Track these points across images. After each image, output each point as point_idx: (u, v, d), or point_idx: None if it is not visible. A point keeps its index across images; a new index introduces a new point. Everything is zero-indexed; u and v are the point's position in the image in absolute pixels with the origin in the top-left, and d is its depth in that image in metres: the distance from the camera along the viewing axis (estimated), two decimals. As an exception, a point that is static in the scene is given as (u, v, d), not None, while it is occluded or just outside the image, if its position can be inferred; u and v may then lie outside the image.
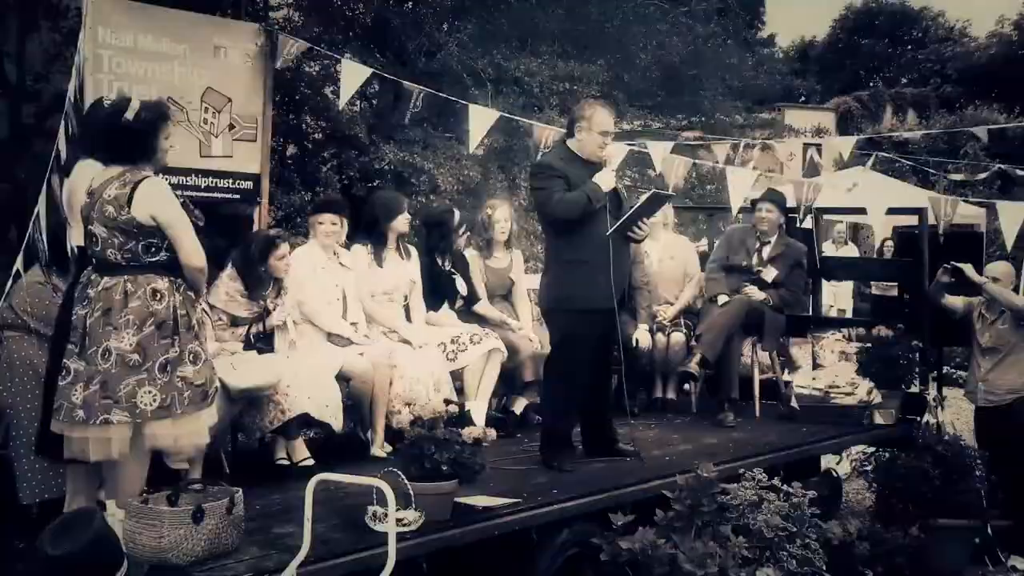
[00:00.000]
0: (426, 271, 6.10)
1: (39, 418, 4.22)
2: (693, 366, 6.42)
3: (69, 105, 5.49)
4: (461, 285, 6.26)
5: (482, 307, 6.34)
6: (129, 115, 3.90)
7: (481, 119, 7.09)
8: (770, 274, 6.74)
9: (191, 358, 3.91)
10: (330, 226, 5.65)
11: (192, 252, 3.94)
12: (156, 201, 3.87)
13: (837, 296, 12.30)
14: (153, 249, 3.89)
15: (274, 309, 5.28)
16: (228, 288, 5.16)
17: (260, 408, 4.98)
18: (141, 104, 3.94)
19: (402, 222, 5.92)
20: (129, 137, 3.92)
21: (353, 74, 6.78)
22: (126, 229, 3.85)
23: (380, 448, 5.42)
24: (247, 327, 5.21)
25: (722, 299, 6.63)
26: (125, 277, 3.85)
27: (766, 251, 6.85)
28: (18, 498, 4.39)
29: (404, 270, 5.94)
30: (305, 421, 5.16)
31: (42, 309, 4.58)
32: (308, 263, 5.57)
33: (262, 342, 5.26)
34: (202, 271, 4.03)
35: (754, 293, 6.65)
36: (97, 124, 4.07)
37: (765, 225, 6.87)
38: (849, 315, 12.50)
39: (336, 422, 5.21)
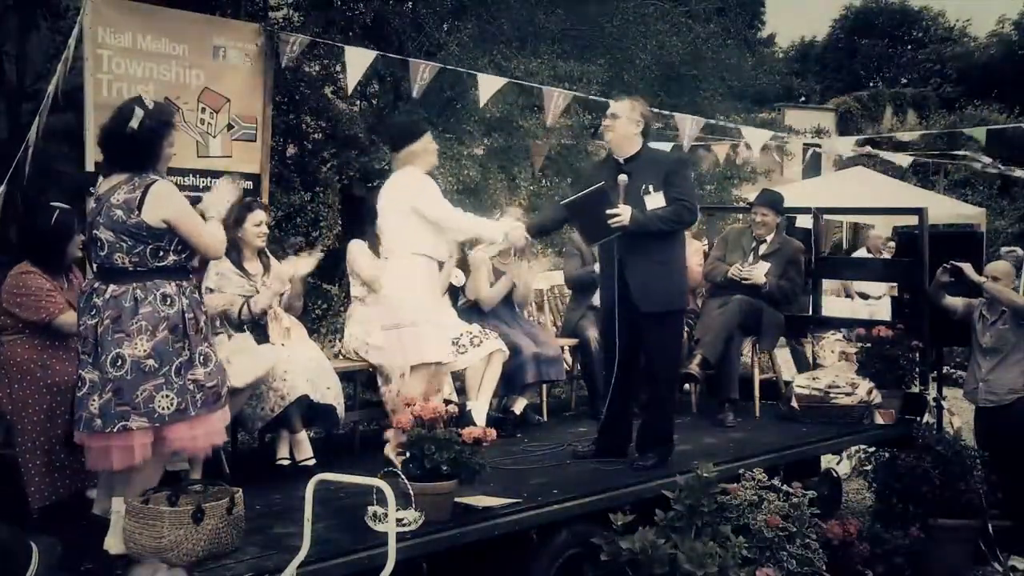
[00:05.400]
0: None
1: None
2: (694, 367, 6.41)
3: (47, 103, 5.52)
4: (458, 277, 6.24)
5: (471, 294, 6.35)
6: (134, 124, 3.90)
7: (489, 85, 7.29)
8: (762, 269, 6.74)
9: (202, 360, 3.93)
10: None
11: (210, 246, 4.01)
12: (167, 204, 3.88)
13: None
14: (161, 253, 3.90)
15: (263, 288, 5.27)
16: (218, 268, 5.15)
17: (259, 397, 4.98)
18: (145, 112, 3.94)
19: None
20: (134, 146, 3.93)
21: (358, 60, 6.79)
22: (135, 233, 3.85)
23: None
24: (238, 311, 5.19)
25: (720, 300, 6.65)
26: (134, 284, 3.84)
27: (762, 249, 6.88)
28: (29, 503, 4.38)
29: None
30: (307, 410, 5.14)
31: (28, 298, 4.53)
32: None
33: (257, 332, 5.25)
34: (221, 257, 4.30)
35: (756, 273, 6.65)
36: (101, 134, 4.09)
37: (762, 228, 6.89)
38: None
39: (340, 407, 5.21)
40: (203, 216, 4.14)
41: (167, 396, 3.81)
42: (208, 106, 6.18)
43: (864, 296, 11.21)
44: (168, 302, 3.87)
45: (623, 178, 5.15)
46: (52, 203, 4.78)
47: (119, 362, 3.78)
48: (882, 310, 8.86)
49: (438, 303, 5.24)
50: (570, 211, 5.28)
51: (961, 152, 13.04)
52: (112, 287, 3.85)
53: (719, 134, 11.43)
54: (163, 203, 3.87)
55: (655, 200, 5.17)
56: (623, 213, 5.07)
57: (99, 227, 3.89)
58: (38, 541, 3.69)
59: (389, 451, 4.89)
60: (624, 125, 5.26)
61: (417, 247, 4.96)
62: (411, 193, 4.95)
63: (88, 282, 3.97)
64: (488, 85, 7.28)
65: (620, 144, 5.31)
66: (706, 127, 10.94)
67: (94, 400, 3.79)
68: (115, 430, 3.76)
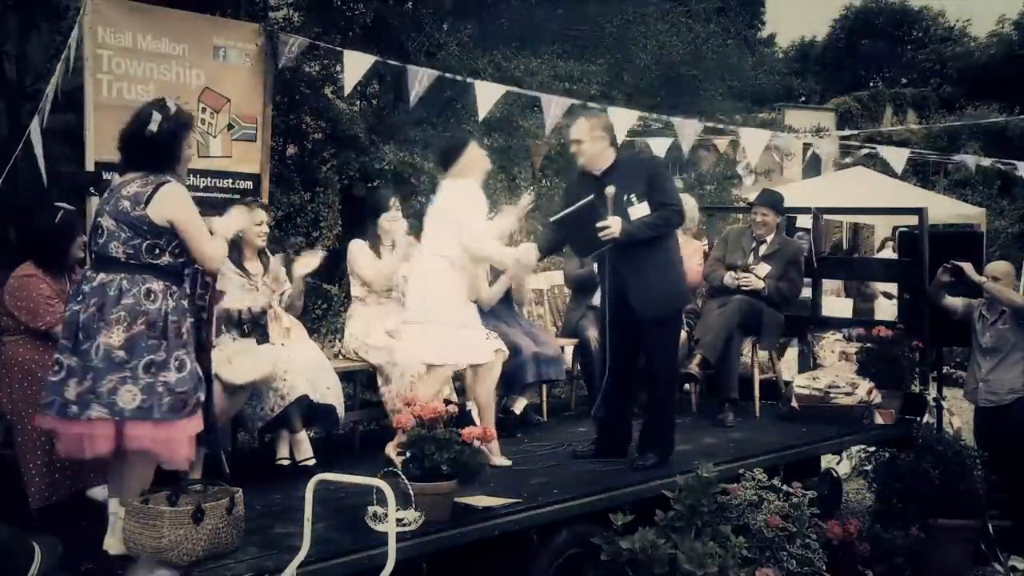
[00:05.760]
0: None
1: None
2: (693, 367, 6.41)
3: (46, 103, 5.52)
4: None
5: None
6: (153, 127, 3.92)
7: (487, 94, 7.26)
8: (762, 270, 6.74)
9: (177, 365, 3.86)
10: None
11: (210, 256, 4.00)
12: (175, 205, 3.89)
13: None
14: (157, 251, 3.89)
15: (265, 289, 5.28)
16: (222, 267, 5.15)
17: (259, 397, 4.98)
18: (163, 116, 3.95)
19: (386, 220, 5.94)
20: (153, 148, 3.94)
21: (356, 64, 6.80)
22: (136, 225, 3.85)
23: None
24: (238, 313, 5.20)
25: (720, 300, 6.65)
26: (122, 275, 3.84)
27: (762, 249, 6.88)
28: (29, 502, 4.38)
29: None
30: (307, 410, 5.14)
31: (28, 303, 4.54)
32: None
33: (257, 332, 5.25)
34: (218, 272, 4.22)
35: (755, 278, 6.65)
36: (120, 136, 4.09)
37: (762, 228, 6.89)
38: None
39: (339, 407, 5.20)
40: (210, 230, 4.15)
41: (130, 391, 3.76)
42: (208, 106, 6.18)
43: (888, 296, 11.22)
44: (151, 298, 3.85)
45: (611, 190, 5.15)
46: (56, 203, 4.78)
47: (98, 350, 3.77)
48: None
49: (462, 306, 5.24)
50: (560, 227, 5.29)
51: (959, 156, 13.04)
52: (102, 275, 3.85)
53: (719, 133, 11.43)
54: (172, 203, 3.88)
55: (639, 210, 5.15)
56: (613, 226, 5.07)
57: (104, 215, 3.90)
58: (39, 541, 3.69)
59: (389, 450, 4.89)
60: (590, 145, 5.26)
61: (443, 249, 5.00)
62: (459, 207, 5.06)
63: (81, 271, 3.96)
64: (485, 92, 7.28)
65: (594, 162, 5.31)
66: (706, 127, 10.96)
67: (70, 386, 3.78)
68: (83, 418, 3.74)
